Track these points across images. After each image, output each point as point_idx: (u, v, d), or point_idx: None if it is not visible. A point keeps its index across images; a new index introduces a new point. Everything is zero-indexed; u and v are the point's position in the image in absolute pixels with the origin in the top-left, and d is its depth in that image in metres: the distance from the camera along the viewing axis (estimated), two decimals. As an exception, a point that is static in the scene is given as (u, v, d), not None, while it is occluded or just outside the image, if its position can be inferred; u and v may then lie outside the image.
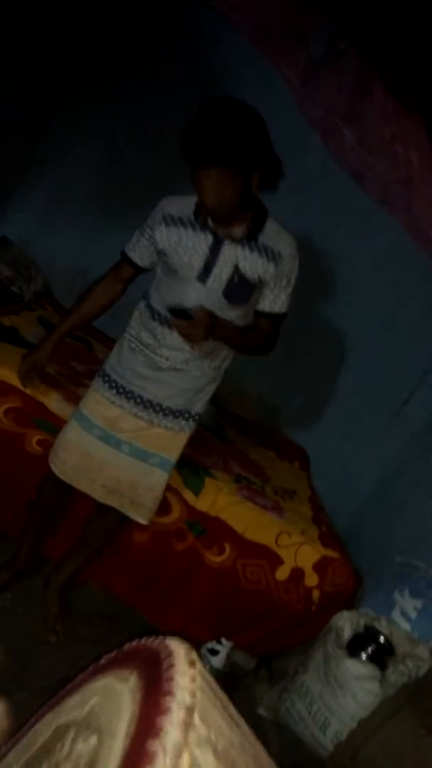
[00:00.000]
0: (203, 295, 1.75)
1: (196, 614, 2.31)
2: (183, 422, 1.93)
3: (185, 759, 0.57)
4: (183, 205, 1.76)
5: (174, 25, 2.93)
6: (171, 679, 0.65)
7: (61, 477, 1.94)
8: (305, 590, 2.27)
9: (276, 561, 2.29)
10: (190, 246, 1.74)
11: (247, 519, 2.30)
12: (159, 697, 0.64)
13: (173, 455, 1.96)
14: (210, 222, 1.72)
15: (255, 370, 2.60)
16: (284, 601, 2.27)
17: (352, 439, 3.24)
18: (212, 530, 2.27)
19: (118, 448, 1.91)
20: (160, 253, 1.80)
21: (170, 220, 1.76)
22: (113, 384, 1.90)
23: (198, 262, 1.74)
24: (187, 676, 0.66)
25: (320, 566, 2.29)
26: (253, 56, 2.75)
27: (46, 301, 3.07)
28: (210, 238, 1.73)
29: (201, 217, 1.73)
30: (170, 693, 0.63)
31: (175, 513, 2.23)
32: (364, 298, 3.09)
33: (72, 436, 1.93)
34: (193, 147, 1.55)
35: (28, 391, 2.10)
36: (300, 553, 2.30)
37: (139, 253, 1.86)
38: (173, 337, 1.81)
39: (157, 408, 1.89)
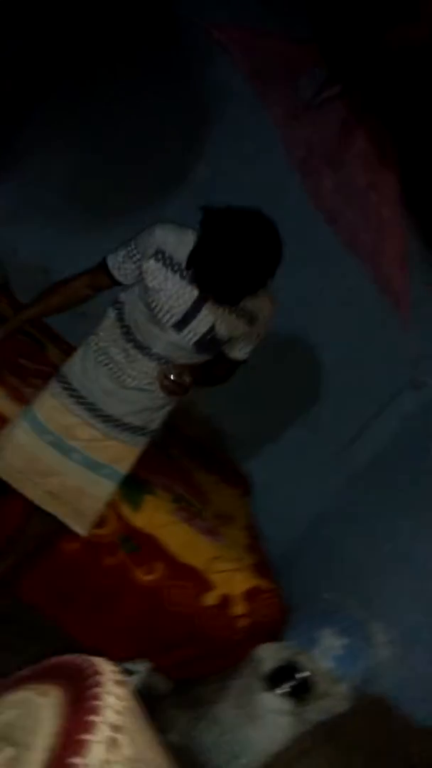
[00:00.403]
0: (174, 341, 1.76)
1: (116, 632, 2.24)
2: (139, 437, 1.92)
3: None
4: (179, 244, 1.70)
5: (168, 38, 2.96)
6: (97, 697, 0.64)
7: (4, 478, 1.87)
8: (232, 618, 2.24)
9: (206, 586, 2.25)
10: (173, 294, 1.71)
11: (182, 540, 2.27)
12: (84, 715, 0.63)
13: (124, 468, 1.94)
14: None
15: (206, 391, 2.59)
16: (209, 627, 2.23)
17: (296, 471, 3.24)
18: (145, 548, 2.23)
19: (68, 456, 1.87)
20: (143, 283, 1.76)
21: (161, 258, 1.70)
22: (74, 393, 1.85)
23: (177, 312, 1.72)
24: (114, 696, 0.65)
25: (250, 595, 2.27)
26: (244, 83, 2.82)
27: (3, 294, 3.00)
28: (195, 294, 1.71)
29: (191, 271, 1.69)
30: (96, 711, 0.62)
31: (111, 526, 2.17)
32: (324, 333, 3.13)
33: (22, 438, 1.86)
34: (205, 282, 1.65)
35: None
36: (231, 580, 2.28)
37: (123, 273, 1.80)
38: (144, 363, 1.80)
39: (117, 423, 1.86)
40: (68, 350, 2.50)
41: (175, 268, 1.70)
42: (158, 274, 1.70)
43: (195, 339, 1.76)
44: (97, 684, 0.66)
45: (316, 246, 2.96)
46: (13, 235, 3.11)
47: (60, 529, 1.97)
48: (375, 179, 3.01)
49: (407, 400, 2.99)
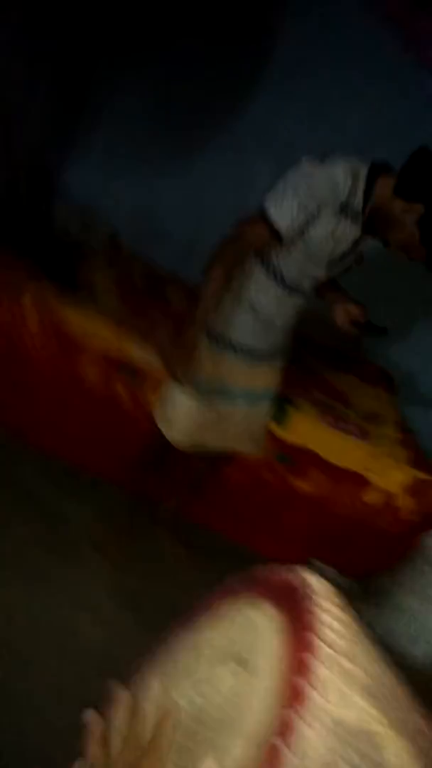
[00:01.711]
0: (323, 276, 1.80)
1: (291, 540, 2.40)
2: (282, 356, 2.00)
3: (332, 695, 0.57)
4: (352, 184, 1.61)
5: None
6: (316, 615, 0.65)
7: (187, 446, 1.98)
8: (396, 512, 2.30)
9: (366, 485, 2.31)
10: (342, 237, 1.69)
11: (334, 445, 2.33)
12: (304, 633, 0.63)
13: (275, 387, 2.04)
14: None
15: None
16: (376, 524, 2.31)
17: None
18: (300, 460, 2.32)
19: (234, 401, 1.95)
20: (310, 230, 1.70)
21: (343, 208, 1.63)
22: (233, 347, 1.87)
23: (339, 252, 1.72)
24: (332, 614, 0.66)
25: (410, 488, 2.30)
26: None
27: (119, 251, 3.09)
28: (357, 233, 1.70)
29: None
30: (315, 630, 0.63)
31: (264, 447, 2.28)
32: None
33: (191, 407, 1.90)
34: None
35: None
36: (391, 476, 2.31)
37: (292, 227, 1.64)
38: (292, 300, 1.81)
39: (267, 353, 1.92)
40: (185, 289, 2.58)
41: (349, 214, 1.62)
42: (332, 225, 1.62)
43: (344, 268, 1.79)
44: (315, 603, 0.66)
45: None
46: (111, 187, 3.16)
47: (227, 458, 2.12)
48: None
49: None
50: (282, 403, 2.33)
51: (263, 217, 1.60)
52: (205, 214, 3.05)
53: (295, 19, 2.78)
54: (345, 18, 2.71)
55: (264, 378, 1.98)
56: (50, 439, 2.43)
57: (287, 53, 2.85)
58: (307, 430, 2.32)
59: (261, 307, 1.80)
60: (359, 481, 2.32)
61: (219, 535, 2.44)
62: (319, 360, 3.08)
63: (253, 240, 1.64)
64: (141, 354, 2.26)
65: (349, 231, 1.65)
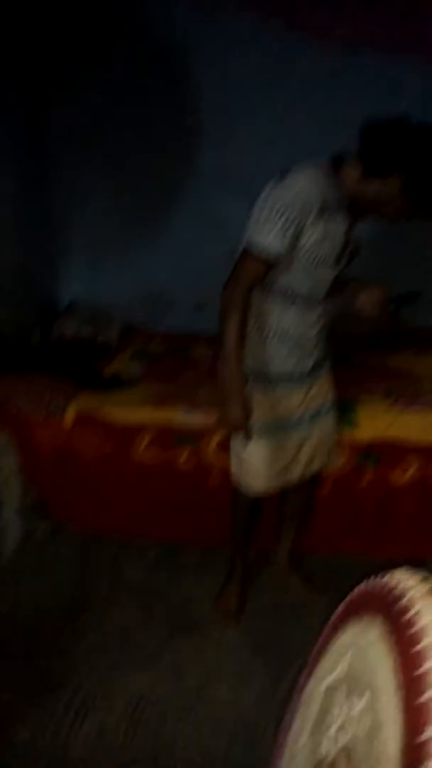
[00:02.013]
0: (334, 274, 1.75)
1: (417, 534, 2.22)
2: (327, 363, 1.95)
3: None
4: (323, 186, 1.61)
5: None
6: (417, 616, 0.62)
7: (274, 487, 1.92)
8: None
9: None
10: (335, 234, 1.67)
11: (415, 425, 2.18)
12: (411, 642, 0.61)
13: (333, 395, 2.00)
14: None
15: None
16: None
17: None
18: (386, 453, 2.18)
19: (299, 427, 1.90)
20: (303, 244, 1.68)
21: (323, 210, 1.60)
22: (273, 379, 1.81)
23: (337, 249, 1.69)
24: (431, 608, 0.62)
25: None
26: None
27: (132, 335, 3.15)
28: (346, 223, 1.68)
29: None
30: (420, 634, 0.60)
31: (344, 455, 2.16)
32: None
33: (263, 451, 1.84)
34: None
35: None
36: None
37: (279, 250, 1.63)
38: (315, 311, 1.76)
39: (311, 370, 1.87)
40: (210, 340, 2.55)
41: (330, 210, 1.60)
42: (321, 227, 1.59)
43: (348, 260, 1.76)
44: (411, 601, 0.64)
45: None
46: (106, 280, 3.26)
47: (315, 480, 2.07)
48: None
49: None
50: (347, 407, 2.21)
51: (253, 250, 1.59)
52: (195, 269, 3.10)
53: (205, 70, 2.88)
54: (244, 49, 2.81)
55: (319, 394, 1.92)
56: (139, 527, 2.39)
57: (210, 109, 2.98)
58: (382, 422, 2.19)
59: (288, 330, 1.76)
60: (458, 449, 2.14)
61: (334, 556, 2.29)
62: (365, 351, 2.95)
63: (254, 274, 1.62)
64: (189, 419, 2.22)
65: (337, 225, 1.64)
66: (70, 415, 2.26)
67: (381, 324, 2.77)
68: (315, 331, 1.80)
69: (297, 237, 1.57)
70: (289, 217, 1.53)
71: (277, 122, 2.92)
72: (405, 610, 0.63)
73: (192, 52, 2.88)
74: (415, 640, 0.59)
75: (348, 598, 0.83)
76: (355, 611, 0.79)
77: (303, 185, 1.54)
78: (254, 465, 1.87)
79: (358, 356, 2.87)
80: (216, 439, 2.20)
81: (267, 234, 1.55)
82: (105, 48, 2.87)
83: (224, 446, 2.19)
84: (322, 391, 1.93)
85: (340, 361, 2.77)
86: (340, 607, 0.85)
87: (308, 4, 2.67)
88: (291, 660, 1.58)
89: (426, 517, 2.20)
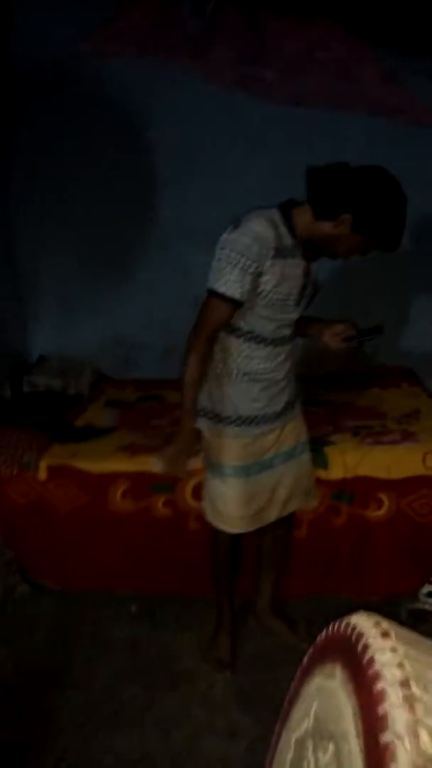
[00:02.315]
0: (297, 314, 1.80)
1: (394, 571, 2.25)
2: (297, 405, 1.98)
3: (424, 735, 0.54)
4: (276, 230, 1.67)
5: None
6: (372, 660, 0.62)
7: (250, 529, 1.94)
8: None
9: (435, 483, 2.19)
10: (293, 275, 1.73)
11: (385, 462, 2.23)
12: (369, 685, 0.61)
13: (306, 435, 2.03)
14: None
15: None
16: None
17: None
18: (359, 491, 2.22)
19: (273, 467, 1.92)
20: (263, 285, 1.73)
21: (278, 252, 1.67)
22: (245, 421, 1.83)
23: (296, 289, 1.74)
24: (387, 651, 0.62)
25: None
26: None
27: (103, 384, 3.17)
28: (303, 264, 1.74)
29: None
30: (377, 676, 0.60)
31: (318, 495, 2.19)
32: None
33: (238, 492, 1.87)
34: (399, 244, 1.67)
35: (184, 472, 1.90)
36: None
37: (244, 291, 1.68)
38: (282, 351, 1.81)
39: (283, 410, 1.90)
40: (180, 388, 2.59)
41: (286, 252, 1.67)
42: (278, 268, 1.66)
43: (308, 300, 1.81)
44: (366, 646, 0.64)
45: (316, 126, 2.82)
46: (76, 331, 3.29)
47: (291, 521, 2.10)
48: (306, 40, 2.81)
49: None
50: (317, 447, 2.26)
51: (214, 296, 1.65)
52: (161, 316, 3.17)
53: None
54: (198, 106, 2.95)
55: (291, 434, 1.95)
56: (118, 580, 2.36)
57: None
58: (351, 461, 2.23)
59: (257, 372, 1.80)
60: (428, 482, 2.19)
61: (315, 599, 2.29)
62: (334, 389, 3.03)
63: (216, 318, 1.68)
64: (163, 465, 2.23)
65: (294, 268, 1.70)
66: (43, 468, 2.25)
67: (347, 359, 2.88)
68: (283, 372, 1.84)
69: (256, 281, 1.63)
70: (246, 263, 1.59)
71: (233, 173, 3.05)
72: (361, 654, 0.63)
73: (149, 109, 3.01)
74: (371, 684, 0.59)
75: (312, 647, 0.83)
76: (319, 659, 0.79)
77: (257, 231, 1.60)
78: (228, 507, 1.88)
79: (325, 395, 2.95)
80: (192, 484, 2.22)
81: (226, 280, 1.62)
82: (64, 108, 2.98)
83: (200, 491, 2.21)
84: (294, 431, 1.96)
85: (308, 401, 2.85)
86: (306, 656, 0.85)
87: (253, 67, 2.83)
88: (279, 710, 1.59)
89: (402, 554, 2.24)
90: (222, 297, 1.63)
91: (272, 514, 1.96)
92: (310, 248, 1.71)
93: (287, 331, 1.80)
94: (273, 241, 1.62)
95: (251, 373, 1.79)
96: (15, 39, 2.88)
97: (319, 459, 2.22)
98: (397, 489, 2.21)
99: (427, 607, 2.22)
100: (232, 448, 1.83)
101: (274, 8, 2.71)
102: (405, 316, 3.27)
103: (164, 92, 2.91)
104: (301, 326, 1.86)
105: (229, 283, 1.62)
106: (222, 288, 1.63)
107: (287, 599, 2.30)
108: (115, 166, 3.09)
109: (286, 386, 1.88)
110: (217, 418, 1.83)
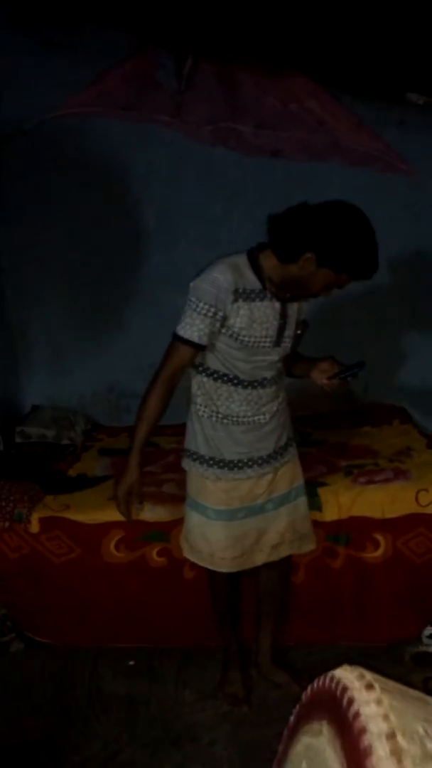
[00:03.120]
0: (278, 356, 1.81)
1: (394, 614, 2.21)
2: (291, 448, 1.97)
3: None
4: (240, 274, 1.71)
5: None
6: (357, 714, 0.61)
7: (233, 570, 1.93)
8: None
9: (429, 521, 2.18)
10: (264, 318, 1.74)
11: (378, 501, 2.22)
12: (356, 739, 0.60)
13: (301, 479, 2.01)
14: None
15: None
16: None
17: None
18: (355, 531, 2.21)
19: (264, 511, 1.91)
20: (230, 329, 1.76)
21: (240, 295, 1.70)
22: (228, 464, 1.84)
23: (273, 331, 1.76)
24: (372, 703, 0.62)
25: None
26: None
27: (96, 433, 3.18)
28: (278, 306, 1.75)
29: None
30: (364, 730, 0.59)
31: (314, 538, 2.18)
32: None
33: (221, 534, 1.88)
34: (370, 271, 1.66)
35: (129, 515, 1.87)
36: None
37: (205, 335, 1.73)
38: (265, 393, 1.82)
39: (274, 453, 1.89)
40: (176, 431, 2.59)
41: (253, 295, 1.70)
42: (244, 311, 1.69)
43: (291, 340, 1.81)
44: (351, 700, 0.63)
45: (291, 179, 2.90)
46: (68, 382, 3.34)
47: (288, 566, 2.07)
48: (280, 94, 2.92)
49: None
50: (309, 488, 2.25)
51: (176, 340, 1.72)
52: (152, 362, 3.18)
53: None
54: (181, 160, 3.06)
55: (284, 480, 1.94)
56: (115, 634, 2.32)
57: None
58: (345, 501, 2.23)
59: (238, 414, 1.80)
60: (422, 520, 2.18)
61: (316, 647, 2.25)
62: (326, 429, 3.04)
63: (177, 359, 1.74)
64: (156, 514, 2.23)
65: (265, 309, 1.72)
66: (35, 520, 2.24)
67: (338, 398, 2.90)
68: (268, 414, 1.84)
69: (220, 324, 1.68)
70: (204, 307, 1.66)
71: (216, 223, 3.14)
72: (347, 708, 0.63)
73: (132, 163, 3.11)
74: (358, 738, 0.58)
75: (298, 705, 0.82)
76: (305, 717, 0.78)
77: (215, 276, 1.66)
78: (210, 546, 1.88)
79: (316, 435, 2.96)
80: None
81: (185, 324, 1.69)
82: (48, 164, 3.08)
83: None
84: (288, 475, 1.95)
85: (301, 441, 2.86)
86: (292, 715, 0.84)
87: (230, 122, 2.94)
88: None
89: (402, 596, 2.21)
90: (181, 340, 1.70)
91: (258, 558, 1.94)
92: (285, 289, 1.72)
93: (268, 373, 1.81)
94: (230, 285, 1.65)
95: (232, 415, 1.80)
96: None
97: (313, 501, 2.21)
98: (393, 528, 2.20)
99: (430, 650, 2.18)
100: (214, 491, 1.85)
101: (248, 63, 2.83)
102: (396, 354, 3.31)
103: (146, 147, 3.01)
104: (288, 365, 1.89)
105: (188, 327, 1.68)
106: (181, 331, 1.70)
107: (288, 647, 2.25)
108: (101, 218, 3.18)
109: (275, 430, 1.87)
110: (200, 460, 1.85)
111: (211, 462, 1.83)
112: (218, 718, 2.02)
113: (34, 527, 2.23)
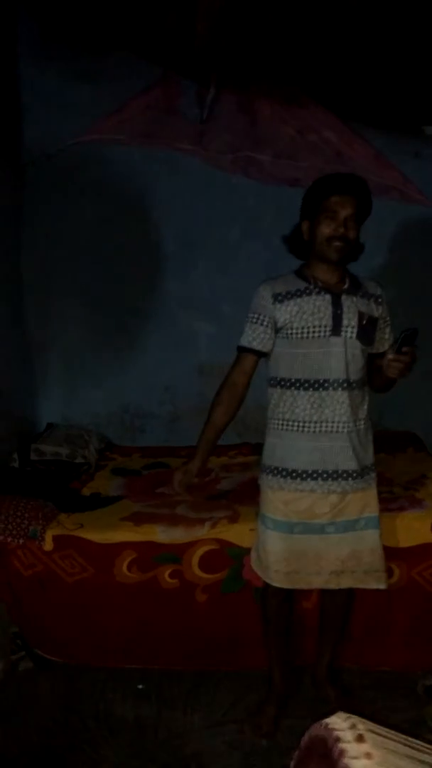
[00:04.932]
0: (341, 347, 1.83)
1: (409, 645, 2.20)
2: (368, 478, 1.92)
3: None
4: (282, 282, 1.88)
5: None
6: (348, 764, 0.63)
7: (285, 586, 1.92)
8: None
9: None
10: (313, 308, 1.83)
11: (393, 529, 2.21)
12: None
13: (376, 510, 1.93)
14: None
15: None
16: None
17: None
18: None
19: (324, 533, 1.88)
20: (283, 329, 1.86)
21: (281, 298, 1.85)
22: (293, 473, 1.84)
23: (327, 320, 1.82)
24: (362, 757, 0.63)
25: None
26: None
27: (110, 452, 3.20)
28: (328, 297, 1.83)
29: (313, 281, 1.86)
30: None
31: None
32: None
33: (277, 545, 1.89)
34: (330, 181, 1.82)
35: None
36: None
37: (262, 341, 1.87)
38: (332, 397, 1.81)
39: (344, 474, 1.84)
40: (184, 454, 2.60)
41: (299, 293, 1.84)
42: (291, 306, 1.82)
43: (355, 331, 1.82)
44: (341, 752, 0.64)
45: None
46: (83, 400, 3.37)
47: (351, 594, 2.04)
48: (298, 125, 2.99)
49: None
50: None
51: (238, 350, 1.91)
52: (167, 383, 3.23)
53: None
54: (200, 188, 3.16)
55: (355, 506, 1.88)
56: (125, 655, 2.30)
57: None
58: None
59: (300, 420, 1.82)
60: (436, 549, 2.18)
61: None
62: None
63: (238, 366, 1.90)
64: (169, 535, 2.23)
65: (314, 301, 1.81)
66: (48, 538, 2.25)
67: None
68: (338, 423, 1.81)
69: (272, 327, 1.84)
70: (253, 316, 1.88)
71: (232, 248, 3.20)
72: (338, 760, 0.64)
73: (152, 190, 3.20)
74: None
75: (297, 749, 0.82)
76: (303, 761, 0.78)
77: (258, 290, 1.89)
78: (267, 556, 1.90)
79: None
80: (198, 554, 2.20)
81: (243, 334, 1.91)
82: (70, 190, 3.16)
83: (207, 562, 2.20)
84: (358, 505, 1.88)
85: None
86: (294, 757, 0.83)
87: (249, 151, 3.01)
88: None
89: (416, 626, 2.19)
90: (238, 348, 1.91)
91: (315, 581, 1.91)
92: (334, 274, 1.85)
93: (332, 373, 1.79)
94: (270, 291, 1.85)
95: (296, 420, 1.83)
96: (24, 132, 3.08)
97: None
98: (407, 558, 2.18)
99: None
100: (273, 500, 1.90)
101: (269, 93, 2.90)
102: (410, 381, 3.30)
103: (166, 175, 3.09)
104: (371, 379, 1.92)
105: (243, 336, 1.90)
106: (241, 341, 1.91)
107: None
108: (121, 242, 3.24)
109: (348, 447, 1.83)
110: (267, 470, 1.91)
111: (275, 471, 1.88)
112: (229, 745, 1.99)
113: (48, 545, 2.24)
